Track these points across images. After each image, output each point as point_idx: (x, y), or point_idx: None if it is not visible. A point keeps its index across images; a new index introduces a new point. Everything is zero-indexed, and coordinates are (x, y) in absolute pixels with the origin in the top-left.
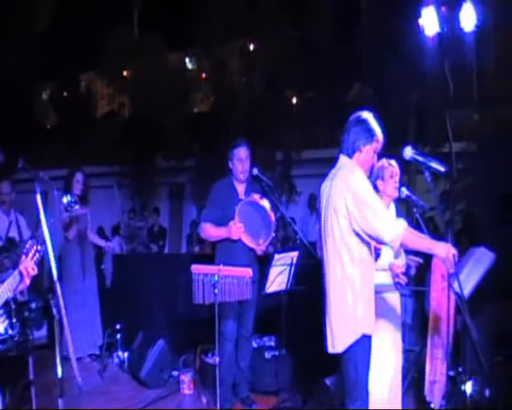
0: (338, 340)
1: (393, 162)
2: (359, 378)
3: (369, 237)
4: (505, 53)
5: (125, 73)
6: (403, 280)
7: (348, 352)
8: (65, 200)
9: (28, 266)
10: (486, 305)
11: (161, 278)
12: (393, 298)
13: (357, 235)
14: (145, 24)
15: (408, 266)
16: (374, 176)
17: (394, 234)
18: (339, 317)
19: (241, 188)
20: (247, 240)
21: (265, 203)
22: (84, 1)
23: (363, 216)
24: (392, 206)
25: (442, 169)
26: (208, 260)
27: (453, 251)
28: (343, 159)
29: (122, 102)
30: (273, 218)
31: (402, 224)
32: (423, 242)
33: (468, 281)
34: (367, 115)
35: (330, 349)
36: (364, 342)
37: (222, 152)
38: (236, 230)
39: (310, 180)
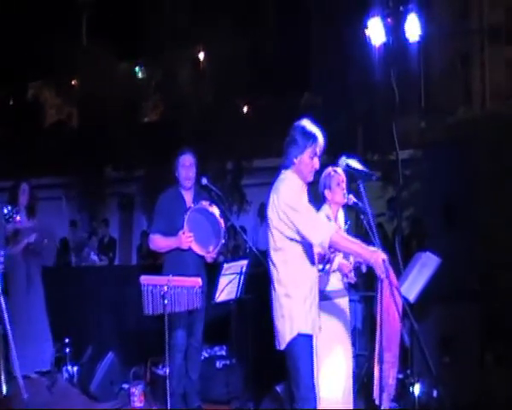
0: (280, 339)
1: (339, 170)
2: (300, 377)
3: (303, 240)
4: (449, 62)
5: (73, 83)
6: (352, 279)
7: (288, 350)
8: (5, 210)
9: None
10: (433, 308)
11: (111, 290)
12: (343, 303)
13: (291, 240)
14: (94, 33)
15: (359, 264)
16: (321, 186)
17: (322, 236)
18: (278, 318)
19: (188, 197)
20: (196, 248)
21: (215, 210)
22: (32, 10)
23: (294, 224)
24: (341, 213)
25: (373, 178)
26: (158, 270)
27: (382, 256)
28: (282, 172)
29: (71, 112)
30: (223, 224)
31: (330, 227)
32: (353, 245)
33: (415, 285)
34: (303, 122)
35: (277, 347)
36: (302, 340)
37: (172, 162)
38: (186, 239)
39: (260, 189)
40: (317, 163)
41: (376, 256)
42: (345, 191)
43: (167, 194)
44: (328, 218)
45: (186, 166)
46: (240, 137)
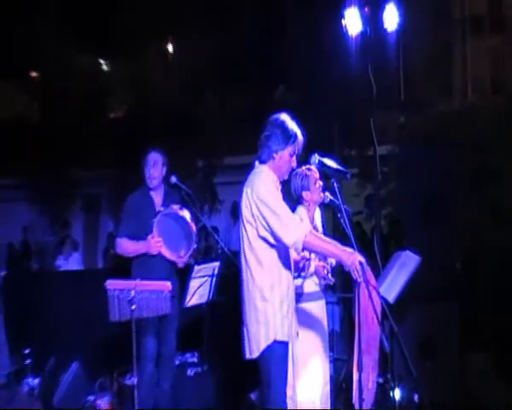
0: (253, 346)
1: (313, 167)
2: (273, 385)
3: (276, 240)
4: (429, 54)
5: (34, 76)
6: (330, 280)
7: (262, 357)
8: None
9: None
10: (412, 309)
11: (74, 296)
12: (319, 306)
13: (265, 240)
14: (57, 25)
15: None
16: (297, 187)
17: (295, 237)
18: (251, 323)
19: (158, 198)
20: (167, 253)
21: (185, 213)
22: None
23: (266, 221)
24: (318, 212)
25: (348, 176)
26: (125, 274)
27: (359, 258)
28: (257, 165)
29: (31, 107)
30: (194, 228)
31: (304, 227)
32: (328, 246)
33: (394, 285)
34: (283, 117)
35: (247, 356)
36: (277, 348)
37: (140, 161)
38: (155, 244)
39: (233, 188)
40: (294, 161)
41: (353, 258)
42: (321, 189)
43: (135, 195)
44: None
45: (150, 165)
46: (211, 134)
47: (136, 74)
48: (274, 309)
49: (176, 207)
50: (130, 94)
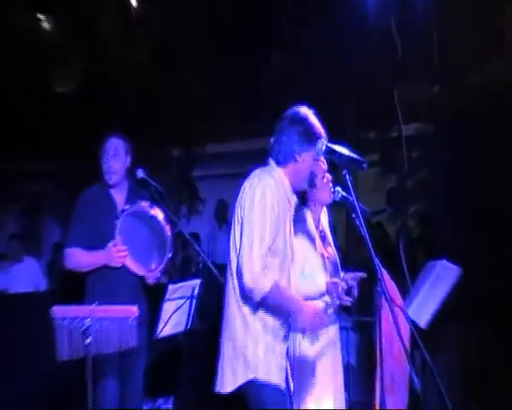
0: (226, 379)
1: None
2: None
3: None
4: (473, 4)
5: None
6: (347, 301)
7: (249, 394)
8: None
9: None
10: (451, 334)
11: (8, 327)
12: (331, 333)
13: None
14: None
15: (349, 287)
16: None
17: (257, 285)
18: (227, 351)
19: (119, 197)
20: (133, 266)
21: (158, 213)
22: None
23: (240, 233)
24: (325, 212)
25: (364, 165)
26: (78, 297)
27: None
28: (271, 163)
29: None
30: (169, 232)
31: (270, 279)
32: (289, 303)
33: (427, 305)
34: (305, 112)
35: (217, 389)
36: (259, 389)
37: (95, 149)
38: (118, 253)
39: (217, 182)
40: (318, 167)
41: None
42: (331, 185)
43: (90, 192)
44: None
45: (109, 154)
46: (190, 116)
47: (88, 35)
48: (256, 341)
49: (145, 203)
50: (84, 64)
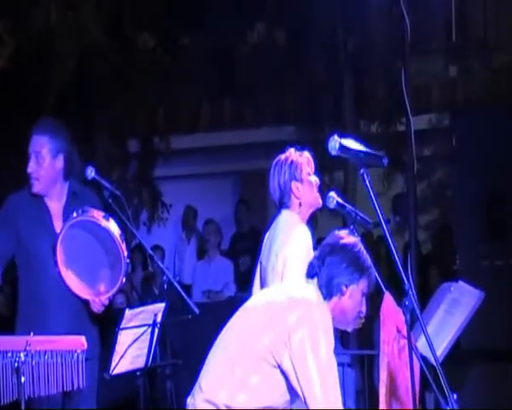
0: None
1: (306, 153)
2: None
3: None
4: None
5: None
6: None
7: None
8: None
9: None
10: (472, 373)
11: None
12: None
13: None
14: None
15: None
16: (281, 183)
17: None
18: None
19: (56, 205)
20: (76, 288)
21: (110, 224)
22: None
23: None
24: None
25: (384, 162)
26: (7, 326)
27: None
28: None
29: None
30: (123, 246)
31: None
32: None
33: (441, 336)
34: (352, 241)
35: None
36: None
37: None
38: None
39: (184, 184)
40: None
41: None
42: (318, 188)
43: (19, 197)
44: None
45: (31, 157)
46: (149, 99)
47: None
48: None
49: (96, 212)
50: (15, 33)
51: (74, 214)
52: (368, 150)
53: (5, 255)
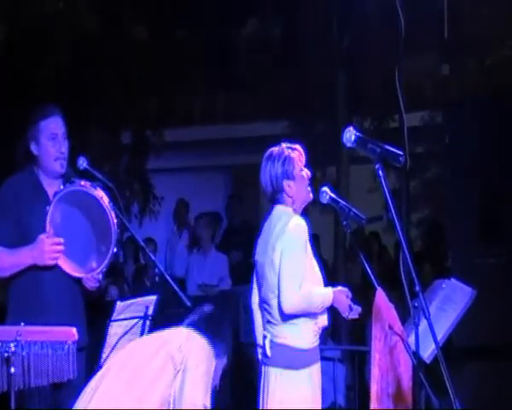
0: None
1: (297, 147)
2: None
3: None
4: None
5: None
6: (356, 311)
7: None
8: None
9: None
10: (464, 369)
11: None
12: (313, 367)
13: None
14: None
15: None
16: (275, 177)
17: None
18: None
19: (53, 190)
20: (68, 267)
21: (99, 192)
22: None
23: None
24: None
25: (401, 158)
26: None
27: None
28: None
29: None
30: (113, 214)
31: None
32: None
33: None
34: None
35: None
36: None
37: (17, 126)
38: (50, 247)
39: (177, 177)
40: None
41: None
42: (308, 183)
43: (15, 182)
44: None
45: (57, 135)
46: (141, 90)
47: None
48: None
49: (83, 181)
50: (7, 17)
51: (61, 187)
52: (386, 146)
53: (9, 242)
